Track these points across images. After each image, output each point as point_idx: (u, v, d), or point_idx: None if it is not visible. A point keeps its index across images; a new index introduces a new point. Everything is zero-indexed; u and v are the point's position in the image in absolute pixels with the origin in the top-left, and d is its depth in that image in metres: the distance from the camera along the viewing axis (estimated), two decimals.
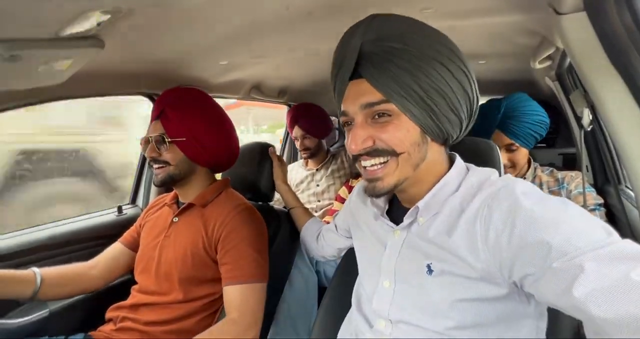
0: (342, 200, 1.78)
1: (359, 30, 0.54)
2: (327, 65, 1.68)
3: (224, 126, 1.07)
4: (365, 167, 0.58)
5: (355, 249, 0.79)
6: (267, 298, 1.07)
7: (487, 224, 0.51)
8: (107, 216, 1.44)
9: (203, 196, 1.04)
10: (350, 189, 1.77)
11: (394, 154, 0.55)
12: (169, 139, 0.98)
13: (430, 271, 0.58)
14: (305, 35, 1.07)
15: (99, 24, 0.65)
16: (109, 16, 0.63)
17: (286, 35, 1.04)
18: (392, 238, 0.65)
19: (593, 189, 1.23)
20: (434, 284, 0.57)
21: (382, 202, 0.70)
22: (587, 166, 1.46)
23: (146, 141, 1.01)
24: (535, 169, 1.31)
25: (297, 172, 2.06)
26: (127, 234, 1.15)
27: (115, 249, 1.12)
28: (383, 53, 0.52)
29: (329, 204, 1.90)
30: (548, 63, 1.19)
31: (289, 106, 2.34)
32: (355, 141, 0.55)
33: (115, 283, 1.14)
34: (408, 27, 0.54)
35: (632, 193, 1.08)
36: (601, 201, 1.21)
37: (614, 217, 1.25)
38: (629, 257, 0.41)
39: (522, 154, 1.24)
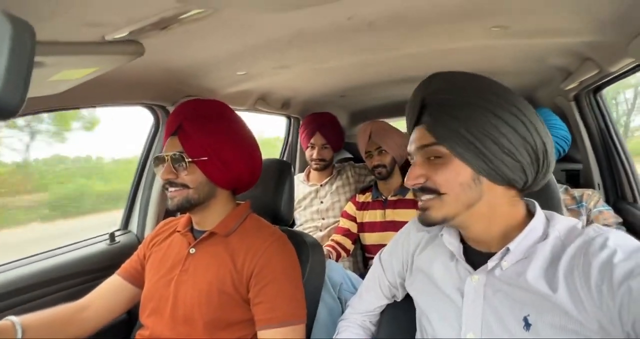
0: (348, 216, 1.69)
1: (422, 85, 0.64)
2: (337, 78, 1.61)
3: (248, 142, 0.93)
4: (418, 198, 0.63)
5: (415, 291, 0.72)
6: None
7: (586, 276, 0.50)
8: (97, 244, 1.24)
9: (226, 224, 0.90)
10: (357, 204, 1.69)
11: (438, 193, 0.59)
12: (189, 159, 0.84)
13: (527, 324, 0.54)
14: (346, 47, 0.99)
15: (141, 29, 0.52)
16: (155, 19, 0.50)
17: (327, 46, 0.95)
18: (469, 284, 0.61)
19: (610, 208, 1.25)
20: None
21: (455, 242, 0.65)
22: (598, 184, 1.49)
23: (161, 160, 0.86)
24: None
25: (298, 187, 1.92)
26: (128, 265, 0.97)
27: (114, 284, 0.94)
28: (437, 104, 0.60)
29: (335, 222, 1.80)
30: (575, 84, 1.20)
31: (289, 118, 2.23)
32: (409, 177, 0.62)
33: (107, 324, 0.96)
34: (465, 83, 0.60)
35: None
36: (620, 219, 1.22)
37: (634, 234, 1.27)
38: None
39: None
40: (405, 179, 0.63)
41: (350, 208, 1.70)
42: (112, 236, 1.26)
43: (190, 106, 0.90)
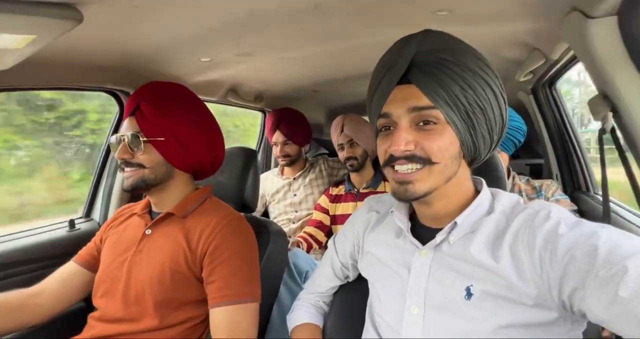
0: (322, 209, 1.71)
1: (413, 40, 0.57)
2: (306, 71, 1.62)
3: (209, 126, 0.94)
4: (397, 170, 0.57)
5: (366, 273, 0.73)
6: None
7: (531, 246, 0.51)
8: (57, 231, 1.21)
9: (184, 205, 0.90)
10: (330, 197, 1.71)
11: (429, 162, 0.55)
12: (145, 138, 0.84)
13: (469, 294, 0.55)
14: (301, 33, 1.01)
15: None
16: None
17: (282, 31, 0.97)
18: (417, 259, 0.61)
19: (567, 196, 1.30)
20: (474, 309, 0.54)
21: (404, 218, 0.65)
22: (556, 175, 1.55)
23: (117, 141, 0.86)
24: (514, 177, 1.36)
25: (272, 181, 1.94)
26: (84, 252, 0.96)
27: (69, 270, 0.93)
28: (435, 63, 0.54)
29: (308, 215, 1.81)
30: (529, 77, 1.25)
31: (263, 112, 2.24)
32: (398, 143, 0.55)
33: (64, 311, 0.94)
34: (460, 45, 0.57)
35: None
36: (575, 207, 1.27)
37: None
38: None
39: (503, 159, 1.29)
40: (391, 146, 0.56)
41: (323, 201, 1.72)
42: (71, 223, 1.24)
43: (150, 87, 0.90)
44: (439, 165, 0.55)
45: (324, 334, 0.82)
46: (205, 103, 0.97)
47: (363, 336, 0.70)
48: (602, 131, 0.65)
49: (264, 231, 1.06)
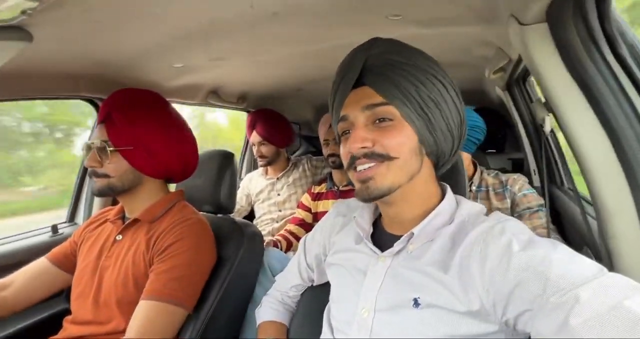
0: (304, 207, 1.73)
1: (364, 47, 0.60)
2: (288, 71, 1.63)
3: (179, 133, 0.96)
4: (359, 170, 0.58)
5: (329, 274, 0.74)
6: (229, 318, 0.99)
7: (483, 260, 0.51)
8: (39, 236, 1.25)
9: (151, 211, 0.92)
10: (312, 195, 1.73)
11: (388, 158, 0.56)
12: (112, 148, 0.86)
13: (416, 304, 0.55)
14: (267, 38, 1.02)
15: (23, 12, 0.55)
16: (36, 3, 0.53)
17: (248, 37, 0.99)
18: (374, 265, 0.62)
19: (534, 190, 1.32)
20: (419, 318, 0.55)
21: (366, 225, 0.66)
22: (533, 170, 1.57)
23: (87, 148, 0.88)
24: (481, 172, 1.38)
25: (256, 181, 1.97)
26: (57, 250, 0.99)
27: (39, 266, 0.95)
28: (385, 64, 0.57)
29: (291, 214, 1.84)
30: (500, 74, 1.26)
31: (248, 112, 2.26)
32: (355, 141, 0.55)
33: (48, 315, 0.98)
34: (407, 47, 0.59)
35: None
36: (542, 201, 1.29)
37: (559, 216, 1.35)
38: (622, 286, 0.43)
39: (464, 158, 1.29)
40: (347, 147, 0.57)
41: (305, 199, 1.75)
42: (54, 228, 1.28)
43: (119, 95, 0.93)
44: (398, 160, 0.55)
45: (288, 333, 0.84)
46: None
47: (321, 337, 0.71)
48: (542, 133, 0.67)
49: (238, 233, 1.08)
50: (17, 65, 0.81)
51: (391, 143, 0.55)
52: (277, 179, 1.91)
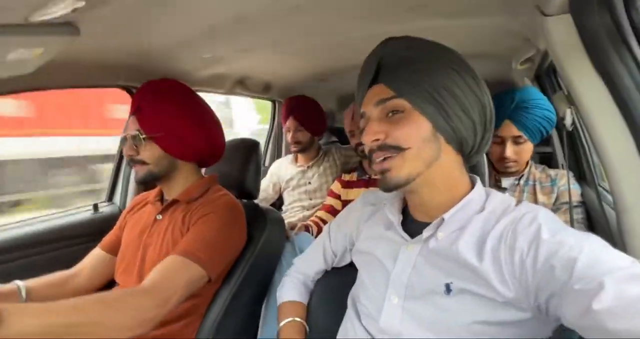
0: (334, 195, 1.75)
1: (378, 47, 0.63)
2: (312, 62, 1.65)
3: (203, 118, 1.02)
4: (376, 162, 0.60)
5: (356, 261, 0.76)
6: (250, 298, 1.04)
7: (511, 250, 0.52)
8: (83, 213, 1.38)
9: (189, 192, 1.00)
10: (343, 183, 1.74)
11: (400, 149, 0.58)
12: (144, 136, 0.94)
13: (448, 290, 0.56)
14: (291, 30, 1.05)
15: (74, 11, 0.61)
16: (84, 2, 0.59)
17: (272, 29, 1.02)
18: (404, 252, 0.63)
19: (579, 186, 1.28)
20: (451, 304, 0.56)
21: (396, 212, 0.67)
22: (562, 165, 1.51)
23: (123, 139, 0.97)
24: (530, 166, 1.35)
25: (286, 168, 1.99)
26: (107, 239, 1.09)
27: (96, 257, 1.06)
28: (397, 61, 0.59)
29: (322, 202, 1.86)
30: (528, 65, 1.22)
31: (273, 102, 2.31)
32: (368, 134, 0.59)
33: (97, 289, 1.08)
34: (420, 42, 0.61)
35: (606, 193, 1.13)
36: (581, 199, 1.25)
37: (589, 214, 1.30)
38: None
39: (528, 148, 1.26)
40: (362, 137, 0.61)
41: (335, 186, 1.75)
42: (95, 207, 1.40)
43: (147, 88, 1.00)
44: (410, 150, 0.57)
45: (307, 314, 0.87)
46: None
47: (344, 322, 0.73)
48: (563, 126, 0.66)
49: (261, 218, 1.15)
50: (64, 57, 0.89)
51: (402, 134, 0.57)
52: (308, 167, 1.92)
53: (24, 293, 0.88)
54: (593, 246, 0.48)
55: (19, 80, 0.87)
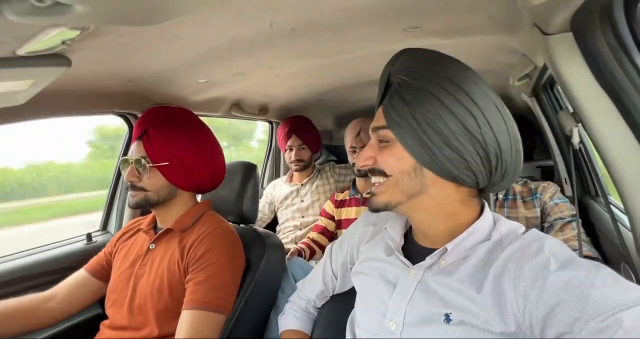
0: (327, 215, 1.74)
1: (389, 61, 0.61)
2: (309, 83, 1.65)
3: (211, 148, 1.00)
4: (372, 183, 0.62)
5: (355, 284, 0.73)
6: (251, 326, 1.00)
7: (516, 280, 0.50)
8: (75, 244, 1.33)
9: (182, 221, 0.97)
10: (335, 203, 1.73)
11: (384, 174, 0.59)
12: (150, 164, 0.91)
13: (448, 320, 0.54)
14: (287, 52, 1.05)
15: (64, 42, 0.59)
16: (76, 33, 0.58)
17: (268, 52, 1.02)
18: (405, 277, 0.61)
19: (566, 199, 1.25)
20: (450, 333, 0.53)
21: (397, 236, 0.66)
22: (565, 179, 1.49)
23: (126, 163, 0.94)
24: None
25: (280, 187, 2.00)
26: (94, 261, 1.05)
27: (79, 277, 1.02)
28: (397, 84, 0.57)
29: (314, 221, 1.84)
30: (525, 80, 1.22)
31: (270, 123, 2.31)
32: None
33: (82, 319, 1.03)
34: (424, 62, 0.57)
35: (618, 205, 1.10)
36: (574, 211, 1.22)
37: (594, 228, 1.27)
38: None
39: None
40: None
41: (328, 207, 1.75)
42: (89, 237, 1.35)
43: (155, 113, 0.98)
44: (392, 178, 0.58)
45: None
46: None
47: None
48: (570, 144, 0.64)
49: (260, 243, 1.11)
50: (56, 86, 0.88)
51: (385, 162, 0.58)
52: (302, 185, 1.94)
53: None
54: (605, 279, 0.45)
55: (11, 112, 0.85)
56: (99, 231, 1.46)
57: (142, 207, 0.95)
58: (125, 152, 1.44)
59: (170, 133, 0.93)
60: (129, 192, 0.95)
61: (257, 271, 1.04)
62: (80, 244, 1.33)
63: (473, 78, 0.55)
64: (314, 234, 1.70)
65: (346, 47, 0.99)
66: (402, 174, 0.57)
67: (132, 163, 0.92)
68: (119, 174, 1.46)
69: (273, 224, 2.02)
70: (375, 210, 0.61)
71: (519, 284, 0.49)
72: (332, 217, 1.73)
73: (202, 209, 1.02)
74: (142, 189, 0.93)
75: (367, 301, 0.67)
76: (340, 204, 1.73)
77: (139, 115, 1.39)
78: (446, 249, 0.57)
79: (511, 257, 0.52)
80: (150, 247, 0.96)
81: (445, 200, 0.59)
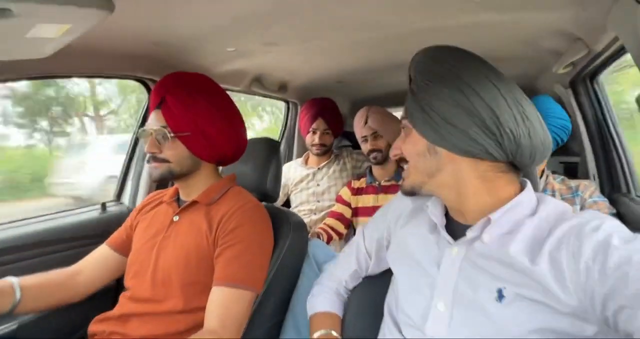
0: (343, 202, 1.70)
1: (412, 60, 0.66)
2: (332, 62, 1.60)
3: (233, 117, 0.95)
4: None
5: (393, 265, 0.71)
6: (275, 307, 0.97)
7: (576, 255, 0.49)
8: (89, 213, 1.28)
9: (208, 194, 0.93)
10: (352, 190, 1.70)
11: (407, 161, 0.65)
12: (172, 134, 0.86)
13: (500, 296, 0.53)
14: (327, 21, 0.99)
15: None
16: None
17: (307, 20, 0.95)
18: (448, 255, 0.60)
19: (605, 199, 1.23)
20: (505, 311, 0.52)
21: (439, 214, 0.65)
22: (593, 175, 1.46)
23: (146, 133, 0.89)
24: (547, 176, 1.29)
25: (295, 170, 1.95)
26: (115, 236, 1.01)
27: (103, 253, 0.99)
28: (412, 80, 0.64)
29: (330, 206, 1.81)
30: (569, 69, 1.17)
31: (287, 102, 2.24)
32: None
33: (97, 290, 1.00)
34: (433, 57, 0.63)
35: None
36: (614, 210, 1.20)
37: (628, 225, 1.25)
38: None
39: None
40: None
41: (345, 193, 1.72)
42: (103, 206, 1.31)
43: (173, 79, 0.92)
44: (411, 162, 0.64)
45: (342, 327, 0.81)
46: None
47: (381, 334, 0.69)
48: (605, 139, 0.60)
49: (285, 222, 1.07)
50: (79, 42, 0.82)
51: (405, 149, 0.65)
52: (319, 169, 1.89)
53: (18, 292, 0.81)
54: None
55: (30, 65, 0.78)
56: (112, 201, 1.42)
57: (165, 180, 0.91)
58: (144, 122, 1.39)
59: (190, 101, 0.87)
60: (151, 164, 0.89)
61: (283, 250, 1.00)
62: (95, 213, 1.29)
63: (465, 61, 0.60)
64: (330, 220, 1.67)
65: (392, 19, 0.92)
66: (418, 156, 0.62)
67: (152, 133, 0.87)
68: (135, 144, 1.41)
69: (285, 206, 1.99)
70: (406, 193, 0.66)
71: (579, 260, 0.48)
72: (348, 204, 1.69)
73: (228, 184, 0.98)
74: (165, 161, 0.88)
75: (410, 284, 0.65)
76: (357, 192, 1.69)
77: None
78: (489, 220, 0.56)
79: (567, 232, 0.51)
80: (174, 219, 0.92)
81: (466, 175, 0.60)
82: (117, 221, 1.20)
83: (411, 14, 0.89)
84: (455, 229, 0.63)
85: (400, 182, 0.68)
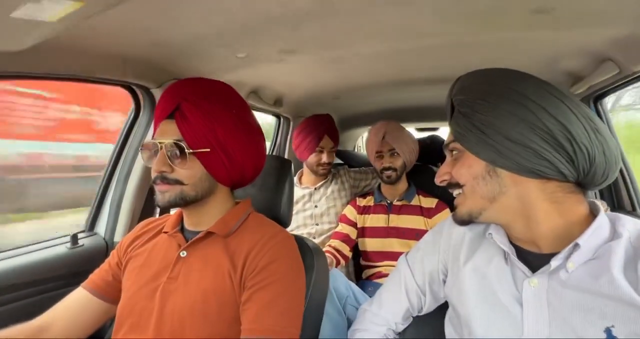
0: (348, 221, 1.58)
1: (451, 86, 0.65)
2: (325, 77, 1.52)
3: (255, 134, 0.81)
4: None
5: (458, 302, 0.64)
6: None
7: None
8: (55, 248, 1.03)
9: (225, 223, 0.76)
10: (358, 209, 1.59)
11: (459, 186, 0.61)
12: (189, 150, 0.70)
13: (610, 337, 0.47)
14: (350, 28, 0.90)
15: None
16: None
17: (319, 30, 0.86)
18: (527, 289, 0.55)
19: None
20: None
21: (506, 242, 0.60)
22: (595, 193, 1.49)
23: (152, 147, 0.72)
24: None
25: None
26: (96, 276, 0.80)
27: (78, 299, 0.77)
28: (456, 105, 0.61)
29: (330, 229, 1.68)
30: (583, 89, 1.18)
31: (278, 117, 2.12)
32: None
33: None
34: (477, 80, 0.61)
35: None
36: None
37: None
38: None
39: None
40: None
41: (350, 212, 1.59)
42: (74, 239, 1.06)
43: (190, 85, 0.75)
44: (467, 186, 0.59)
45: None
46: None
47: None
48: None
49: (307, 251, 0.91)
50: (65, 37, 0.65)
51: (458, 173, 0.60)
52: (315, 189, 1.75)
53: None
54: None
55: (12, 60, 0.60)
56: (83, 232, 1.17)
57: (176, 207, 0.73)
58: (128, 134, 1.18)
59: (211, 112, 0.72)
60: (158, 187, 0.72)
61: (310, 286, 0.85)
62: (62, 248, 1.04)
63: (516, 77, 0.58)
64: (335, 242, 1.53)
65: (403, 35, 0.86)
66: (475, 179, 0.58)
67: (162, 148, 0.70)
68: (115, 162, 1.18)
69: None
70: (461, 222, 0.62)
71: None
72: (354, 224, 1.57)
73: (246, 210, 0.82)
74: (178, 182, 0.71)
75: (486, 323, 0.59)
76: (364, 211, 1.58)
77: (152, 89, 1.14)
78: (577, 245, 0.51)
79: None
80: (182, 254, 0.74)
81: (534, 198, 0.56)
82: (91, 256, 0.98)
83: (428, 28, 0.83)
84: (526, 257, 0.57)
85: (454, 211, 0.63)
